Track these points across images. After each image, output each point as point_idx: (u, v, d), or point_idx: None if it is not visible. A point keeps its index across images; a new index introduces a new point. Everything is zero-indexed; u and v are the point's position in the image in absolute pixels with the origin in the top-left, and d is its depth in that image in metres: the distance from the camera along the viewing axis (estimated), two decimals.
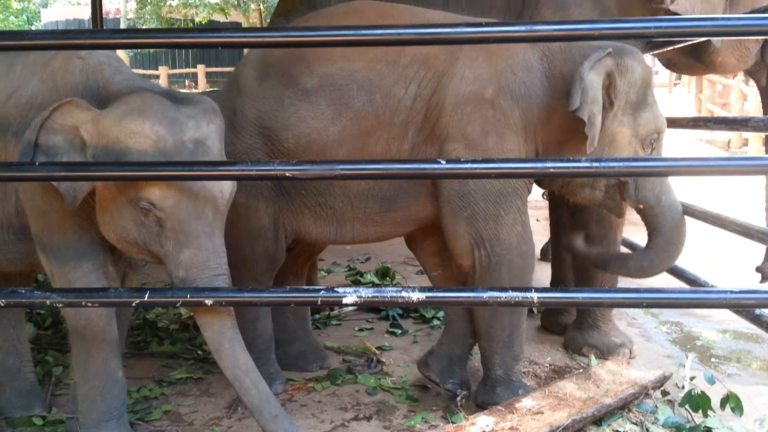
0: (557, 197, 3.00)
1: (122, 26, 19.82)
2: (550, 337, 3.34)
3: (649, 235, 2.52)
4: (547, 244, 4.67)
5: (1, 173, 2.00)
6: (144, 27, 19.63)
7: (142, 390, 2.74)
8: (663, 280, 3.53)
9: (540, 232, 5.63)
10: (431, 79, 2.42)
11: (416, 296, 1.87)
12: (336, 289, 1.92)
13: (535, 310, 3.56)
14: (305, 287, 2.97)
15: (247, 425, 2.48)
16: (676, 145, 9.68)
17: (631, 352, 3.04)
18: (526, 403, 2.35)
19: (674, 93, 17.11)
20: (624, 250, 3.27)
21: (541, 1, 3.04)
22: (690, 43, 3.12)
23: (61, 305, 2.04)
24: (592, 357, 2.94)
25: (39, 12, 23.99)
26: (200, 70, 17.38)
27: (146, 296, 1.92)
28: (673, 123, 3.70)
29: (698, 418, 2.45)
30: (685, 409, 2.48)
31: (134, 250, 2.04)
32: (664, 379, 2.64)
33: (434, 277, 2.80)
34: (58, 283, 2.13)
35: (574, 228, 3.14)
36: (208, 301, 1.90)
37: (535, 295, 1.88)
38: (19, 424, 2.45)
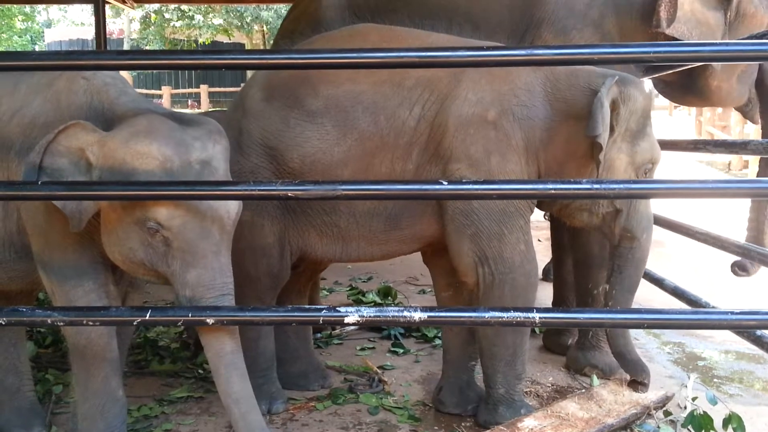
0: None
1: (126, 46, 20.00)
2: (552, 357, 3.33)
3: (614, 270, 2.55)
4: (549, 264, 4.67)
5: (5, 192, 2.01)
6: (147, 47, 19.80)
7: (143, 409, 2.73)
8: (665, 301, 3.54)
9: (542, 252, 5.63)
10: (435, 101, 2.45)
11: (418, 316, 1.87)
12: (338, 308, 1.92)
13: (537, 330, 3.56)
14: (307, 306, 2.97)
15: None
16: (676, 166, 9.74)
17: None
18: (529, 423, 2.34)
19: (674, 115, 17.19)
20: None
21: (543, 25, 3.08)
22: (688, 67, 3.15)
23: (62, 324, 2.03)
24: (594, 377, 2.94)
25: (43, 32, 24.24)
26: (203, 90, 17.52)
27: (148, 315, 1.92)
28: (674, 145, 3.74)
29: None
30: (688, 429, 2.47)
31: (140, 271, 2.04)
32: (666, 400, 2.64)
33: (443, 297, 2.82)
34: (59, 302, 2.13)
35: (575, 249, 3.16)
36: (210, 320, 1.90)
37: (536, 315, 1.88)
38: None
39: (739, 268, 3.26)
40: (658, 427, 2.50)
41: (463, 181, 2.26)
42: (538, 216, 2.90)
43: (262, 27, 18.74)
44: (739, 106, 3.42)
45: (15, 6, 18.13)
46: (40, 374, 2.97)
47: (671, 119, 16.31)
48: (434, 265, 2.80)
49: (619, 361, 2.62)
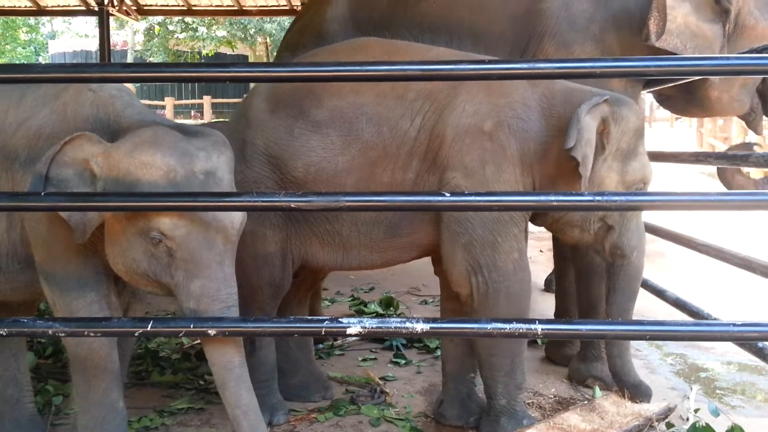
0: None
1: (129, 58, 20.10)
2: (554, 369, 3.33)
3: (609, 289, 2.62)
4: (551, 275, 4.67)
5: (9, 203, 2.01)
6: (151, 59, 19.90)
7: (143, 420, 2.72)
8: (666, 313, 3.54)
9: (544, 264, 5.65)
10: (434, 112, 2.49)
11: (420, 327, 1.87)
12: (340, 319, 1.92)
13: (539, 341, 3.56)
14: (309, 317, 2.98)
15: None
16: (678, 178, 9.74)
17: None
18: None
19: (675, 127, 17.24)
20: None
21: (545, 38, 3.11)
22: (687, 81, 3.17)
23: (63, 334, 2.03)
24: (597, 388, 2.93)
25: (47, 43, 24.38)
26: (206, 101, 17.59)
27: (149, 326, 1.91)
28: (675, 158, 3.75)
29: None
30: None
31: (143, 282, 2.04)
32: (668, 411, 2.63)
33: (445, 308, 2.83)
34: (60, 313, 2.13)
35: (577, 260, 3.16)
36: (212, 331, 1.90)
37: (539, 327, 1.88)
38: None
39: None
40: None
41: (466, 192, 2.28)
42: (541, 227, 2.90)
43: (266, 39, 18.85)
44: (742, 116, 3.42)
45: (19, 18, 18.25)
46: (40, 385, 2.97)
47: (672, 131, 16.34)
48: (443, 274, 2.81)
49: (615, 381, 2.64)
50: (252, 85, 2.90)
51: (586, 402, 2.72)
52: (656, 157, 3.88)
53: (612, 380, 2.99)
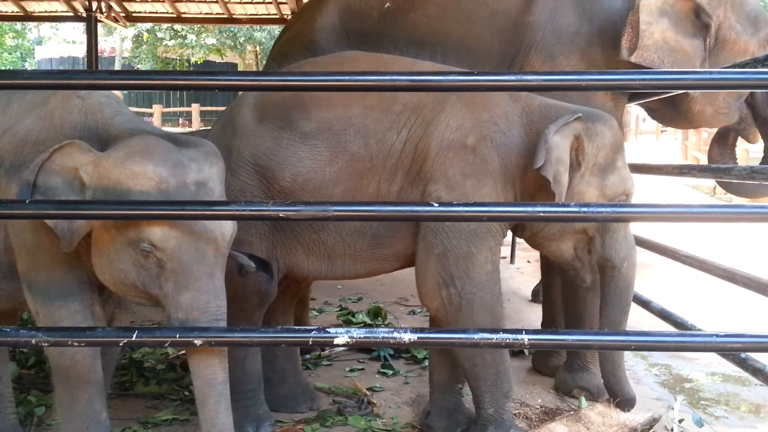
0: None
1: (117, 65, 20.03)
2: (541, 379, 3.34)
3: (601, 300, 2.65)
4: (538, 285, 4.69)
5: None
6: (139, 66, 19.83)
7: (127, 431, 2.69)
8: (651, 323, 3.57)
9: (531, 274, 5.68)
10: (420, 126, 2.53)
11: (408, 337, 1.87)
12: (328, 329, 1.92)
13: (526, 351, 3.56)
14: (297, 327, 2.97)
15: None
16: (663, 190, 9.84)
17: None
18: None
19: (661, 140, 17.44)
20: None
21: (532, 51, 3.14)
22: (671, 94, 3.20)
23: (47, 344, 1.99)
24: (583, 399, 2.93)
25: (33, 49, 24.22)
26: (195, 109, 17.55)
27: (134, 336, 1.90)
28: (660, 170, 3.79)
29: None
30: None
31: (131, 293, 2.03)
32: (653, 422, 2.64)
33: (434, 318, 2.82)
34: (43, 322, 2.11)
35: (563, 270, 3.18)
36: (197, 341, 1.88)
37: (525, 337, 1.89)
38: None
39: None
40: None
41: (454, 203, 2.29)
42: None
43: (255, 48, 18.87)
44: (732, 126, 3.42)
45: (5, 23, 18.14)
46: (22, 395, 2.92)
47: (658, 143, 16.52)
48: None
49: (611, 396, 2.65)
50: (240, 93, 2.90)
51: (572, 412, 2.73)
52: (641, 169, 3.92)
53: (598, 391, 3.01)
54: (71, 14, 8.63)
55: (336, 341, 1.88)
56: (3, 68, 19.43)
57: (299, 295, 3.27)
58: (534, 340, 1.96)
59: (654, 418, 2.65)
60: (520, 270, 6.06)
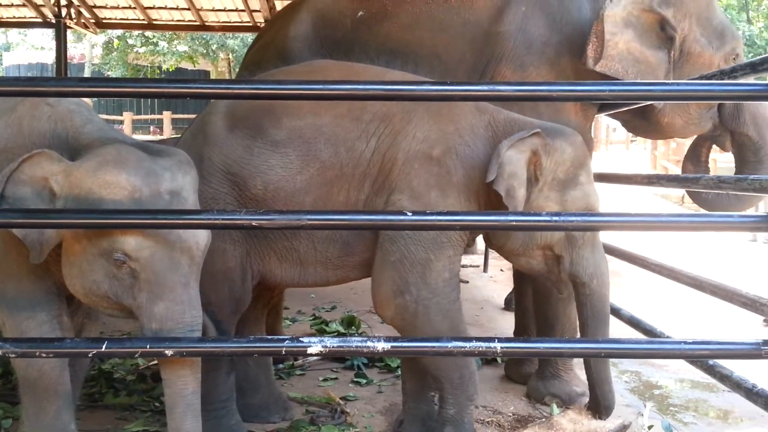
0: None
1: (87, 72, 19.75)
2: (513, 387, 3.36)
3: (579, 320, 2.67)
4: (510, 294, 4.73)
5: None
6: (110, 73, 19.57)
7: None
8: (622, 331, 3.62)
9: (504, 283, 5.72)
10: (389, 135, 2.55)
11: (381, 346, 1.88)
12: (301, 338, 1.91)
13: (499, 359, 3.59)
14: (270, 337, 2.95)
15: None
16: (633, 199, 10.02)
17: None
18: None
19: (631, 149, 17.77)
20: None
21: (503, 60, 3.17)
22: (640, 105, 3.25)
23: (14, 356, 1.97)
24: (554, 406, 2.96)
25: (1, 55, 23.78)
26: (166, 116, 17.38)
27: (104, 347, 1.87)
28: (629, 180, 3.86)
29: None
30: None
31: (103, 304, 2.00)
32: (623, 429, 2.67)
33: None
34: (10, 333, 2.07)
35: (535, 279, 3.21)
36: (169, 352, 1.86)
37: (498, 345, 1.91)
38: None
39: None
40: None
41: (427, 212, 2.30)
42: None
43: (228, 55, 18.78)
44: (707, 134, 3.42)
45: None
46: None
47: (628, 153, 16.81)
48: None
49: (597, 390, 2.66)
50: (212, 101, 2.88)
51: (544, 419, 2.75)
52: (611, 179, 3.99)
53: (569, 398, 3.05)
54: (40, 20, 8.51)
55: (309, 351, 1.88)
56: None
57: (272, 303, 3.25)
58: (507, 348, 1.98)
59: (624, 425, 2.68)
60: (493, 278, 6.11)
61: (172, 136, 13.74)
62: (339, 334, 4.05)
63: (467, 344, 1.92)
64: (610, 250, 3.88)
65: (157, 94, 2.01)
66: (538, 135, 2.47)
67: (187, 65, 19.18)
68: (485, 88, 1.98)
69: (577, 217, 2.08)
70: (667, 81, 2.97)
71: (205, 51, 18.38)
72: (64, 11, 8.21)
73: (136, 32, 17.29)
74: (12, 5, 8.43)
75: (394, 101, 2.48)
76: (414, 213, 2.02)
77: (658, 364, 3.81)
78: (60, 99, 2.11)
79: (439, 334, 2.42)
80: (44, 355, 1.93)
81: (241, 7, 8.26)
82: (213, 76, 19.50)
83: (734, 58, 3.23)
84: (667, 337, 3.14)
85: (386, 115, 2.55)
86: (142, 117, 18.78)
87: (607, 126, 18.98)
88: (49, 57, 20.03)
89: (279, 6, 7.46)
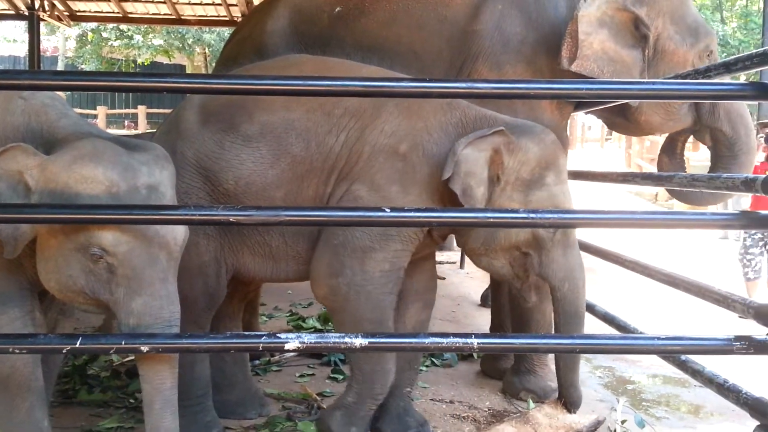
0: None
1: (60, 65, 19.41)
2: (489, 382, 3.38)
3: (555, 321, 2.67)
4: (487, 290, 4.76)
5: None
6: (83, 66, 19.24)
7: None
8: (596, 327, 3.67)
9: (480, 279, 5.75)
10: (358, 129, 2.54)
11: (359, 342, 1.88)
12: (278, 334, 1.91)
13: (475, 355, 3.61)
14: (246, 333, 2.94)
15: None
16: (607, 196, 10.14)
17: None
18: None
19: (605, 148, 17.99)
20: None
21: (479, 59, 3.18)
22: (618, 103, 3.28)
23: None
24: (530, 401, 2.99)
25: None
26: (141, 111, 17.17)
27: (78, 343, 1.86)
28: (604, 177, 3.91)
29: None
30: None
31: (79, 300, 1.97)
32: (597, 424, 2.71)
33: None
34: None
35: None
36: (144, 348, 1.85)
37: (475, 341, 1.92)
38: None
39: None
40: None
41: (405, 208, 2.30)
42: None
43: (204, 49, 18.58)
44: (688, 130, 3.43)
45: None
46: None
47: (602, 151, 17.01)
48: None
49: (567, 390, 2.68)
50: (187, 96, 2.86)
51: (519, 414, 2.78)
52: (586, 176, 4.03)
53: (544, 393, 3.08)
54: (12, 12, 8.34)
55: (287, 347, 1.88)
56: None
57: (248, 299, 3.24)
58: (483, 343, 2.00)
59: (599, 420, 2.72)
60: (470, 275, 6.14)
61: (147, 131, 13.57)
62: (316, 330, 4.05)
63: (445, 340, 1.93)
64: (585, 247, 3.93)
65: (132, 88, 2.00)
66: (501, 133, 2.43)
67: (162, 59, 18.93)
68: (463, 85, 1.99)
69: (554, 214, 2.09)
70: (642, 80, 2.99)
71: (180, 45, 18.16)
72: (37, 3, 8.06)
73: (110, 25, 17.02)
74: None
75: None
76: (392, 209, 2.02)
77: (632, 359, 3.87)
78: (34, 92, 2.08)
79: (364, 322, 2.42)
80: (17, 351, 1.90)
81: (218, 1, 8.18)
82: (189, 71, 19.27)
83: (708, 55, 3.25)
84: (641, 333, 3.19)
85: (357, 110, 2.54)
86: (117, 111, 18.53)
87: (582, 124, 19.17)
88: (21, 50, 19.62)
89: (256, 0, 7.41)
